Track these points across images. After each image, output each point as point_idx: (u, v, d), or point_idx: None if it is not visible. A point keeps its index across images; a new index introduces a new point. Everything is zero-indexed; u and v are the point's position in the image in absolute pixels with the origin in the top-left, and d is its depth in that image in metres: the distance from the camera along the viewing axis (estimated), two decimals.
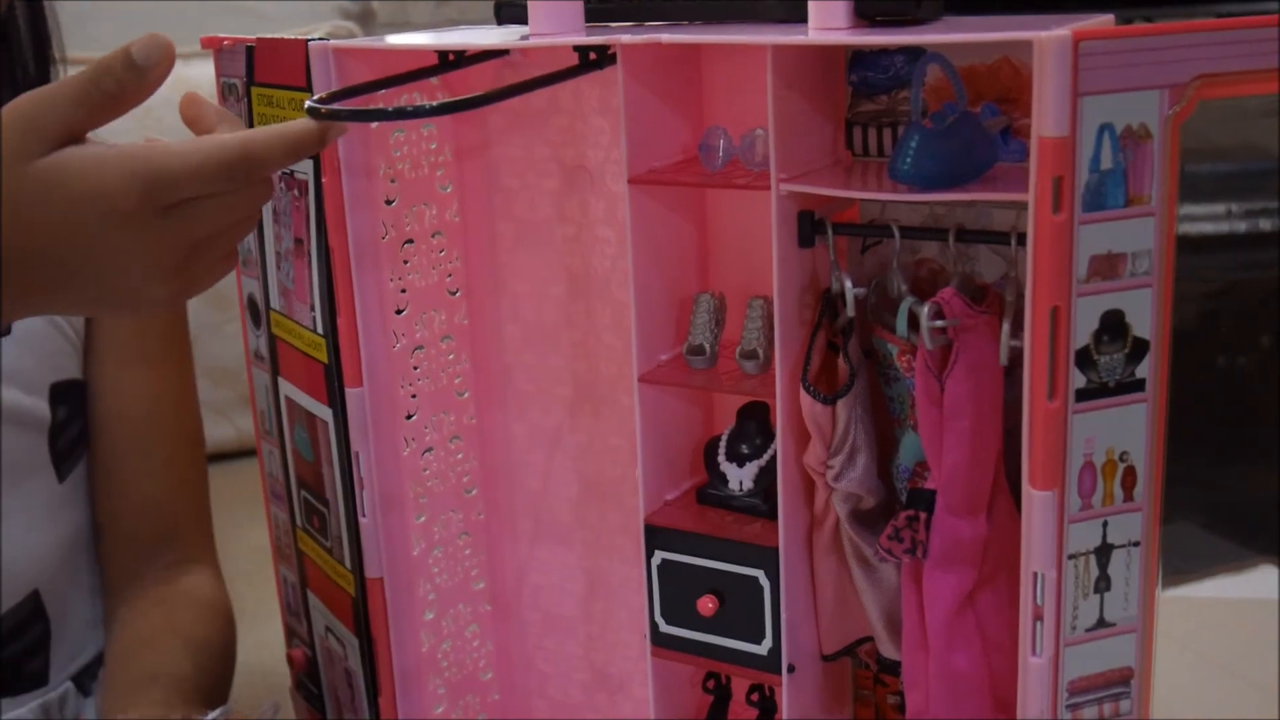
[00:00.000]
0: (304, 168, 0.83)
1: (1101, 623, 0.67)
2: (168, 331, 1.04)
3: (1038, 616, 0.66)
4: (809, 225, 0.73)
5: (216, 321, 1.73)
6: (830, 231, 0.73)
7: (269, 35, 0.85)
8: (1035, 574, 0.65)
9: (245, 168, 0.63)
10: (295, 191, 0.85)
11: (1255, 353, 0.64)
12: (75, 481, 1.00)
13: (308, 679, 1.01)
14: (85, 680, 1.02)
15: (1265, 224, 0.64)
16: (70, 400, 0.99)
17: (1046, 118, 0.60)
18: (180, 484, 1.04)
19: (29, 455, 0.95)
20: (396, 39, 0.84)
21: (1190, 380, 0.72)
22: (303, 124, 0.66)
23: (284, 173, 0.85)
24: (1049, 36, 0.59)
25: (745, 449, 0.82)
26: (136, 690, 0.90)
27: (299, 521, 0.95)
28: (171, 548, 1.02)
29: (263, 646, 1.18)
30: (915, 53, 0.74)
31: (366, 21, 2.04)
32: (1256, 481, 0.70)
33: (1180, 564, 0.76)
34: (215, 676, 0.96)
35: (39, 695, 0.98)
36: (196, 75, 1.79)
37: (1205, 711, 0.76)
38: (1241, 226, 0.66)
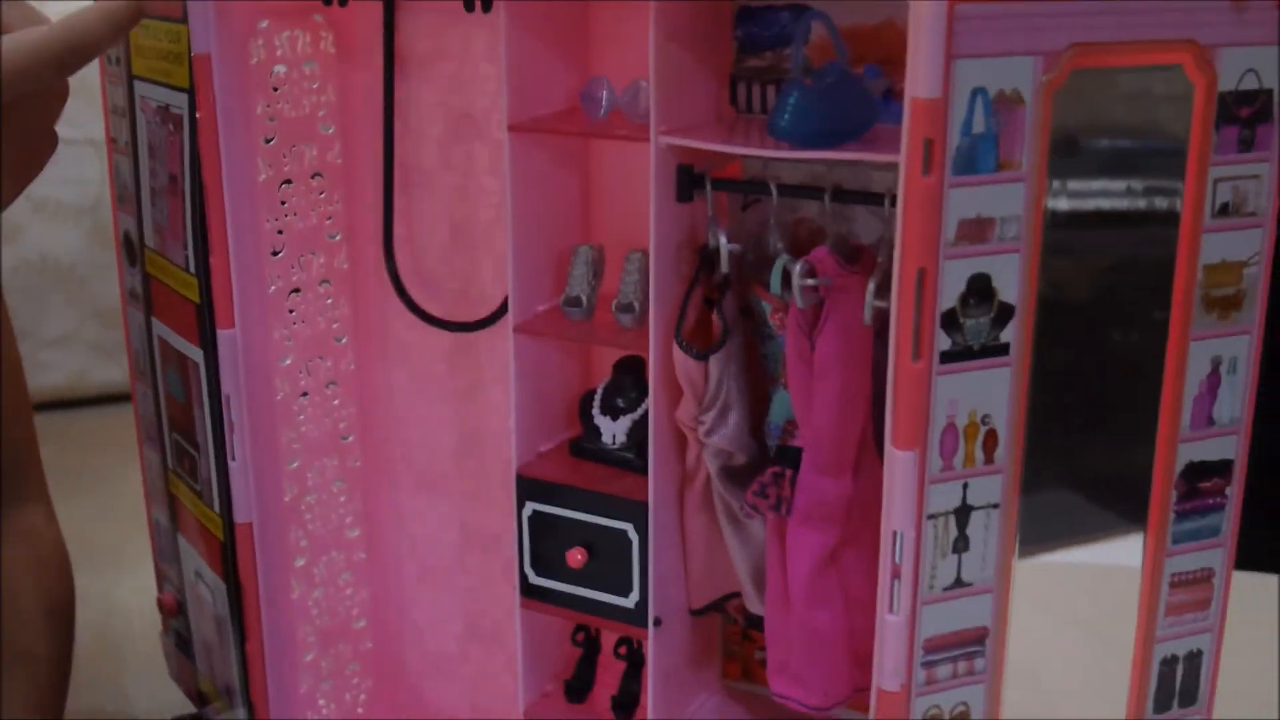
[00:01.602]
0: (179, 101, 0.80)
1: (959, 583, 0.67)
2: None
3: (896, 575, 0.66)
4: (688, 179, 0.72)
5: (106, 261, 1.69)
6: (709, 187, 0.72)
7: None
8: (895, 533, 0.65)
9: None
10: (170, 126, 0.82)
11: (1149, 328, 0.65)
12: None
13: (178, 624, 0.99)
14: None
15: (1163, 202, 0.65)
16: None
17: (919, 79, 0.59)
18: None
19: None
20: None
21: (1084, 353, 0.71)
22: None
23: (158, 105, 0.82)
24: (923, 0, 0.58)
25: (620, 403, 0.81)
26: None
27: (170, 464, 0.93)
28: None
29: (141, 592, 1.16)
30: (800, 10, 0.73)
31: None
32: (1141, 454, 0.71)
33: (1059, 530, 0.76)
34: (41, 642, 0.90)
35: None
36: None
37: (1061, 669, 0.77)
38: (1141, 204, 0.67)
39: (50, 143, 0.83)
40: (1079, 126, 0.66)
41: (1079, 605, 0.77)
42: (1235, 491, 0.72)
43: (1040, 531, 0.71)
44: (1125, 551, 0.75)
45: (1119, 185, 0.71)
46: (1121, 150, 0.71)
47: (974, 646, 0.68)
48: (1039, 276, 0.65)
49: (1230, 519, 0.72)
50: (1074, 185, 0.70)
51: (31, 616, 0.90)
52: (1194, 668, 0.74)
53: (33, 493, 0.97)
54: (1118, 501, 0.75)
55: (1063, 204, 0.68)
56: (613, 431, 0.80)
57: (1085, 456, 0.75)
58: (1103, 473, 0.75)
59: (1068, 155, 0.66)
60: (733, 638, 0.86)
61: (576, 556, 0.78)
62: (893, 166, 0.62)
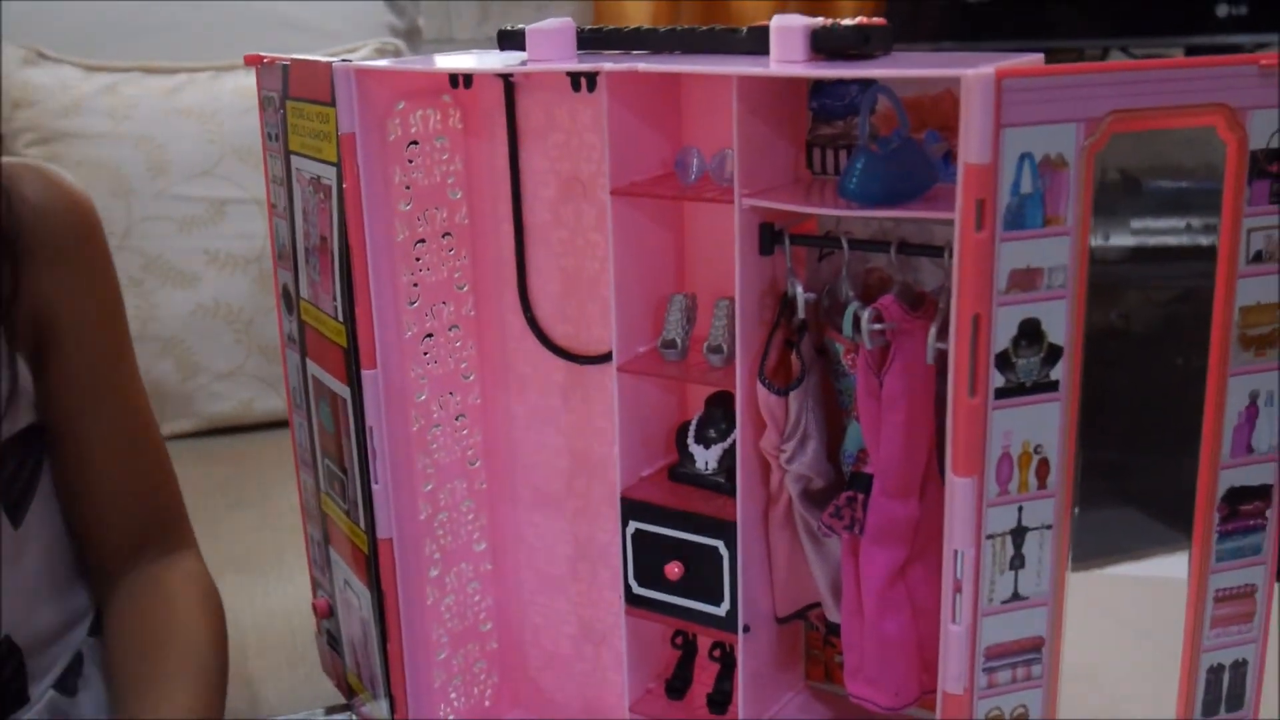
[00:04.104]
0: (329, 174, 0.84)
1: (1016, 596, 0.68)
2: (116, 353, 0.97)
3: (958, 589, 0.67)
4: (769, 236, 0.74)
5: (269, 305, 1.76)
6: (788, 242, 0.74)
7: (318, 51, 0.87)
8: (956, 551, 0.66)
9: None
10: (321, 195, 0.86)
11: (1207, 355, 0.65)
12: (30, 521, 0.92)
13: (329, 625, 1.03)
14: (69, 680, 0.99)
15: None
16: (17, 450, 0.90)
17: (971, 146, 0.61)
18: (148, 479, 0.99)
19: None
20: (410, 62, 0.85)
21: (1151, 378, 0.72)
22: None
23: (311, 177, 0.87)
24: (975, 74, 0.60)
25: (712, 433, 0.83)
26: (148, 695, 0.87)
27: (322, 486, 0.97)
28: (153, 540, 0.99)
29: (298, 596, 1.20)
30: (867, 83, 0.75)
31: (413, 38, 2.06)
32: (1196, 473, 0.72)
33: (1119, 544, 0.76)
34: (215, 670, 0.93)
35: (23, 713, 0.94)
36: (237, 85, 1.81)
37: (1117, 674, 0.77)
38: (1201, 240, 0.66)
39: None
40: (1142, 169, 0.66)
41: (1135, 615, 0.77)
42: (1275, 513, 0.72)
43: (1101, 545, 0.72)
44: (1181, 565, 0.75)
45: (1180, 223, 0.72)
46: (1183, 190, 0.71)
47: (1031, 654, 0.69)
48: (1096, 310, 0.66)
49: (1271, 538, 0.72)
50: (1137, 224, 0.70)
51: (205, 641, 0.93)
52: (1239, 676, 0.74)
53: (188, 539, 1.01)
54: (1175, 518, 0.75)
55: (1129, 241, 0.68)
56: (705, 459, 0.82)
57: (1149, 475, 0.75)
58: (1163, 490, 0.76)
59: (1132, 195, 0.67)
60: (815, 643, 0.87)
61: (674, 570, 0.80)
62: (950, 221, 0.63)
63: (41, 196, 0.93)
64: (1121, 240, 0.60)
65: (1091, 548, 0.71)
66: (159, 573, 0.98)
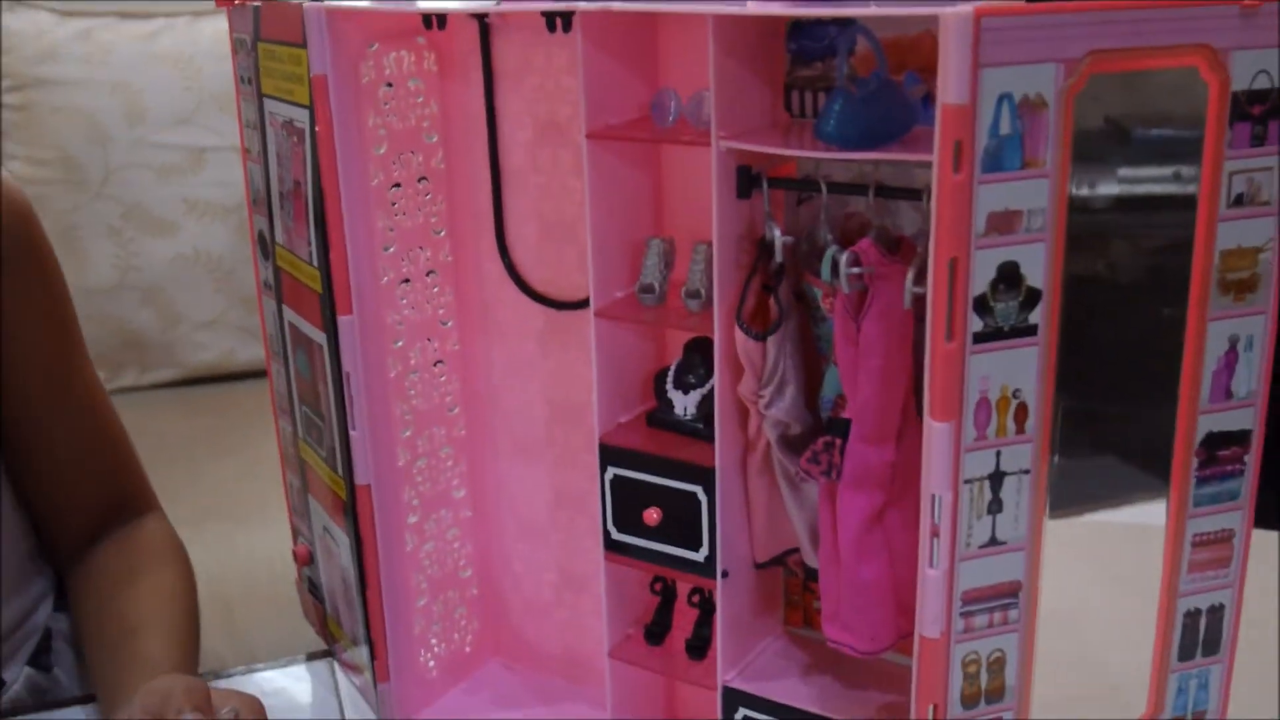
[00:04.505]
0: (301, 116, 0.82)
1: (993, 541, 0.67)
2: (67, 350, 0.95)
3: (935, 534, 0.66)
4: (747, 179, 0.72)
5: (249, 254, 1.74)
6: (766, 185, 0.73)
7: None
8: (934, 496, 0.65)
9: None
10: (294, 139, 0.84)
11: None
12: None
13: (310, 572, 1.03)
14: (41, 658, 0.99)
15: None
16: None
17: (949, 87, 0.59)
18: (106, 463, 0.97)
19: None
20: (383, 4, 0.83)
21: (1136, 328, 0.71)
22: None
23: (284, 120, 0.85)
24: (953, 12, 0.58)
25: (690, 379, 0.82)
26: (121, 646, 0.87)
27: (300, 433, 0.96)
28: (115, 517, 0.99)
29: (279, 543, 1.19)
30: (846, 24, 0.73)
31: None
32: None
33: (1098, 492, 0.76)
34: (185, 614, 0.93)
35: (2, 694, 0.94)
36: (215, 31, 1.78)
37: (1095, 620, 0.77)
38: (1189, 188, 0.65)
39: None
40: (1130, 117, 0.65)
41: (1113, 561, 0.77)
42: (1254, 458, 0.71)
43: (1079, 493, 0.71)
44: (1160, 512, 0.74)
45: (1167, 171, 0.71)
46: (1170, 139, 0.70)
47: (1008, 599, 0.69)
48: (1081, 260, 0.65)
49: (1249, 484, 0.72)
50: (1124, 172, 0.69)
51: (173, 593, 0.93)
52: (1216, 620, 0.74)
53: (151, 503, 1.00)
54: (1155, 466, 0.74)
55: (1114, 190, 0.67)
56: (684, 404, 0.81)
57: (1131, 424, 0.74)
58: (1145, 439, 0.75)
59: (1120, 144, 0.66)
60: (794, 589, 0.87)
61: (652, 515, 0.80)
62: (929, 164, 0.62)
63: None
64: (1108, 189, 0.59)
65: (1070, 495, 0.70)
66: (122, 537, 0.97)
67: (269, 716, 0.77)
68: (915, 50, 0.72)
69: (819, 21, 0.74)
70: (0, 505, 0.91)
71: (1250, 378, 0.69)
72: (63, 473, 0.94)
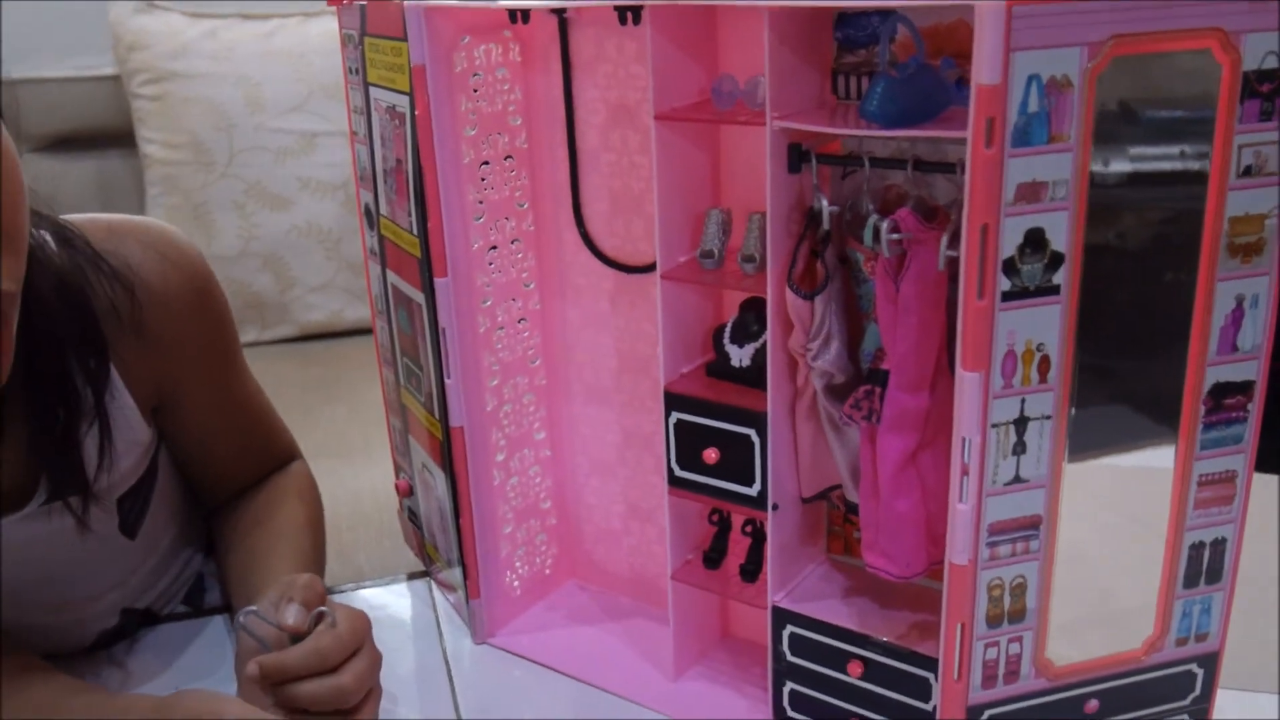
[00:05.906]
0: (402, 102, 0.83)
1: (1017, 479, 0.67)
2: (233, 380, 0.94)
3: (965, 472, 0.66)
4: (797, 155, 0.72)
5: (355, 225, 1.76)
6: (814, 161, 0.72)
7: None
8: (964, 439, 0.65)
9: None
10: (396, 122, 0.85)
11: (1194, 270, 0.63)
12: (144, 530, 0.90)
13: (410, 503, 1.04)
14: (194, 597, 1.00)
15: (1208, 164, 0.63)
16: (140, 491, 0.88)
17: (983, 68, 0.59)
18: (259, 440, 0.97)
19: (102, 542, 0.86)
20: (478, 0, 0.83)
21: (1144, 291, 0.70)
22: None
23: (387, 105, 0.86)
24: (987, 2, 0.57)
25: (745, 333, 0.82)
26: (254, 568, 0.87)
27: (402, 381, 0.97)
28: (267, 471, 0.99)
29: (383, 477, 1.21)
30: (887, 14, 0.72)
31: None
32: (1184, 374, 0.71)
33: (1111, 438, 0.75)
34: (312, 543, 0.94)
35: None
36: (323, 29, 1.79)
37: (1107, 552, 0.76)
38: (1194, 165, 0.64)
39: None
40: (1140, 100, 0.64)
41: (1125, 500, 0.76)
42: (1257, 406, 0.70)
43: (1094, 439, 0.70)
44: (1169, 457, 0.73)
45: (1174, 149, 0.69)
46: (1177, 119, 0.69)
47: (1030, 530, 0.68)
48: (1096, 230, 0.64)
49: (1251, 429, 0.70)
50: (1134, 150, 0.68)
51: (302, 523, 0.94)
52: (1219, 552, 0.73)
53: (294, 453, 1.00)
54: (1163, 415, 0.73)
55: (1125, 166, 0.66)
56: (739, 356, 0.81)
57: (1141, 377, 0.73)
58: (1155, 390, 0.74)
59: (1129, 124, 0.65)
60: (836, 520, 0.87)
61: (711, 455, 0.80)
62: (963, 141, 0.61)
63: (155, 274, 0.83)
64: (1120, 166, 0.58)
65: (1086, 441, 0.70)
66: (265, 482, 0.99)
67: (373, 628, 0.79)
68: (951, 37, 0.71)
69: (863, 12, 0.73)
70: (151, 519, 0.91)
71: (1255, 332, 0.68)
72: (224, 455, 0.96)
